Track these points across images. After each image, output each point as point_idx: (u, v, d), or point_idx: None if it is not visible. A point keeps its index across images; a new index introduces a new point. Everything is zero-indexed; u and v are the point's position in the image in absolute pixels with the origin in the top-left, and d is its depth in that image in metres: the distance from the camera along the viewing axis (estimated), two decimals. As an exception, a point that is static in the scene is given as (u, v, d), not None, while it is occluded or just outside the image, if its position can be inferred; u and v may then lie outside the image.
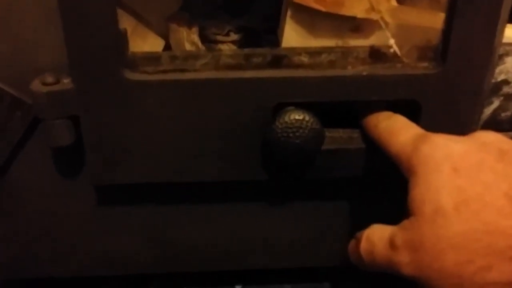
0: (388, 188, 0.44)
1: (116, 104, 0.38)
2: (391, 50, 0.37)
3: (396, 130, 0.36)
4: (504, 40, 0.38)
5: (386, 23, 0.43)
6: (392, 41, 0.37)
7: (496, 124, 0.43)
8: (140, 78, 0.37)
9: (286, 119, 0.35)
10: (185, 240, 0.47)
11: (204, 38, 0.50)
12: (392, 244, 0.32)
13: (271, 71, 0.37)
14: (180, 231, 0.46)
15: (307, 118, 0.35)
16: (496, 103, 0.43)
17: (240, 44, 0.51)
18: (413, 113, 0.38)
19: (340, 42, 0.41)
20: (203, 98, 0.38)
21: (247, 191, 0.44)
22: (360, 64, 0.37)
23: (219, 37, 0.50)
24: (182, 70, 0.38)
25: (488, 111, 0.43)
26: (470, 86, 0.37)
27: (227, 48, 0.50)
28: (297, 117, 0.35)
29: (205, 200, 0.45)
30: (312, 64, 0.38)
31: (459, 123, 0.39)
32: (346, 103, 0.38)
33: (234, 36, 0.50)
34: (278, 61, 0.38)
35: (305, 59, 0.39)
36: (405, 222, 0.32)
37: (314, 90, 0.37)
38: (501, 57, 0.41)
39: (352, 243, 0.38)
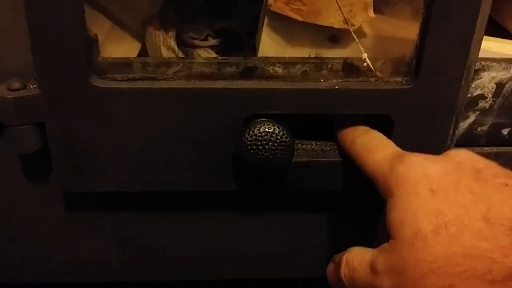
0: (363, 202, 0.43)
1: (84, 111, 0.37)
2: (365, 64, 0.36)
3: (373, 148, 0.35)
4: (481, 54, 0.38)
5: (364, 34, 0.43)
6: (365, 55, 0.36)
7: (472, 139, 0.43)
8: (109, 85, 0.37)
9: (256, 131, 0.35)
10: (158, 248, 0.46)
11: (182, 43, 0.49)
12: (373, 269, 0.32)
13: (244, 82, 0.36)
14: (153, 240, 0.46)
15: (277, 131, 0.35)
16: (472, 117, 0.42)
17: (218, 49, 0.50)
18: (386, 127, 0.37)
19: (314, 53, 0.40)
20: (174, 108, 0.37)
21: (221, 201, 0.43)
22: (333, 77, 0.36)
23: (197, 42, 0.49)
24: (153, 78, 0.37)
25: (464, 125, 0.42)
26: (444, 101, 0.36)
27: (205, 53, 0.50)
28: (267, 129, 0.35)
29: (179, 209, 0.44)
30: (285, 75, 0.38)
31: (433, 139, 0.38)
32: (320, 116, 0.38)
33: (212, 41, 0.49)
34: (251, 71, 0.38)
35: (279, 69, 0.38)
36: (385, 246, 0.32)
37: (286, 102, 0.36)
38: (477, 71, 0.40)
39: (330, 266, 0.37)
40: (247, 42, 0.49)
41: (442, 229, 0.29)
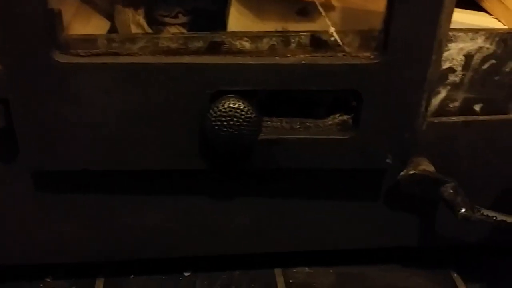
0: (332, 178, 0.43)
1: (47, 87, 0.36)
2: (332, 39, 0.35)
3: None
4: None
5: (332, 7, 0.42)
6: (332, 29, 0.35)
7: (445, 116, 0.42)
8: (72, 61, 0.36)
9: (221, 107, 0.34)
10: (131, 227, 0.46)
11: (152, 21, 0.49)
12: None
13: (209, 57, 0.35)
14: (125, 219, 0.45)
15: (242, 106, 0.34)
16: (443, 93, 0.42)
17: (189, 27, 0.49)
18: (356, 103, 0.37)
19: (281, 27, 0.40)
20: (138, 83, 0.36)
21: (192, 179, 0.43)
22: (300, 52, 0.36)
23: (168, 19, 0.48)
24: (118, 54, 0.37)
25: (435, 101, 0.42)
26: (414, 76, 0.36)
27: (176, 31, 0.49)
28: (231, 105, 0.34)
29: (150, 188, 0.43)
30: (253, 50, 0.37)
31: (404, 115, 0.38)
32: (289, 92, 0.37)
33: (183, 19, 0.49)
34: (217, 46, 0.37)
35: (246, 43, 0.38)
36: None
37: (252, 78, 0.35)
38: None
39: None
40: (219, 19, 0.48)
41: None
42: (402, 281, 0.51)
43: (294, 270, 0.52)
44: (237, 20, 0.42)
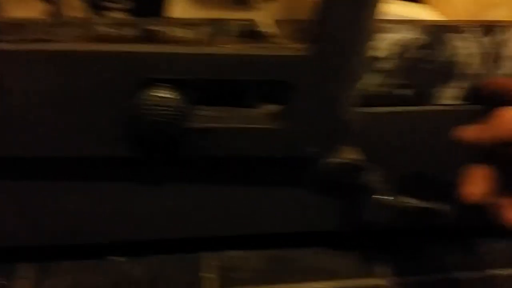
0: (259, 166, 0.44)
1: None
2: (264, 29, 0.35)
3: None
4: (385, 17, 0.38)
5: (272, -4, 0.42)
6: (265, 20, 0.35)
7: (378, 101, 0.43)
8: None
9: (148, 96, 0.34)
10: (56, 213, 0.44)
11: (92, 4, 0.47)
12: None
13: (139, 45, 0.35)
14: (54, 204, 0.44)
15: (169, 95, 0.34)
16: (375, 79, 0.42)
17: (133, 12, 0.48)
18: (285, 94, 0.37)
19: (219, 15, 0.39)
20: (67, 71, 0.35)
21: (122, 166, 0.42)
22: (232, 41, 0.36)
23: (109, 4, 0.46)
24: (46, 40, 0.35)
25: (366, 91, 0.43)
26: (342, 67, 0.36)
27: (118, 15, 0.47)
28: (158, 94, 0.34)
29: (78, 174, 0.42)
30: (187, 39, 0.36)
31: (334, 105, 0.38)
32: (221, 81, 0.37)
33: (125, 3, 0.47)
34: (151, 34, 0.36)
35: (181, 31, 0.37)
36: None
37: (183, 67, 0.35)
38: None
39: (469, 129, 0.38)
40: (163, 4, 0.46)
41: None
42: (325, 263, 0.53)
43: (226, 254, 0.53)
44: (177, 6, 0.41)
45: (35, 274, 0.48)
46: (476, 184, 0.38)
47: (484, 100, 0.44)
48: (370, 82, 0.43)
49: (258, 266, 0.52)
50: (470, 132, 0.38)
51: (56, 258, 0.50)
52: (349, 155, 0.43)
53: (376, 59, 0.42)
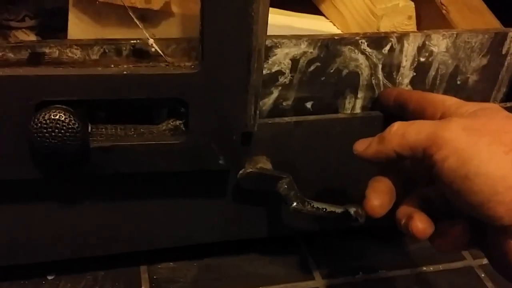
0: (178, 179, 0.45)
1: None
2: (153, 49, 0.37)
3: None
4: (272, 31, 0.39)
5: (172, 13, 0.43)
6: (151, 40, 0.36)
7: (279, 114, 0.45)
8: None
9: (41, 119, 0.35)
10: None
11: (-2, 25, 0.48)
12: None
13: (30, 68, 0.36)
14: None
15: (63, 117, 0.35)
16: (275, 93, 0.44)
17: (39, 30, 0.49)
18: (183, 110, 0.38)
19: (122, 34, 0.40)
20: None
21: (37, 186, 0.43)
22: (125, 62, 0.37)
23: (13, 23, 0.48)
24: None
25: (269, 101, 0.45)
26: (234, 83, 0.38)
27: (23, 35, 0.48)
28: (52, 116, 0.35)
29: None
30: (77, 60, 0.37)
31: (233, 119, 0.40)
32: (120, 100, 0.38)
33: (30, 22, 0.48)
34: (43, 56, 0.37)
35: (77, 51, 0.38)
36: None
37: (77, 88, 0.36)
38: (270, 48, 0.42)
39: (362, 142, 0.40)
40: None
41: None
42: (259, 269, 0.54)
43: (159, 266, 0.54)
44: (77, 27, 0.43)
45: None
46: (378, 197, 0.39)
47: (384, 109, 0.46)
48: (273, 92, 0.45)
49: (191, 276, 0.54)
50: (362, 146, 0.39)
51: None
52: (262, 164, 0.45)
53: (275, 72, 0.43)
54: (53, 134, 0.35)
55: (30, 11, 0.48)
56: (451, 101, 0.40)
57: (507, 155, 0.33)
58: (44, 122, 0.35)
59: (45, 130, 0.35)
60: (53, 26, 0.49)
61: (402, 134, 0.37)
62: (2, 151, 0.37)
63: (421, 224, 0.37)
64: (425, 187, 0.41)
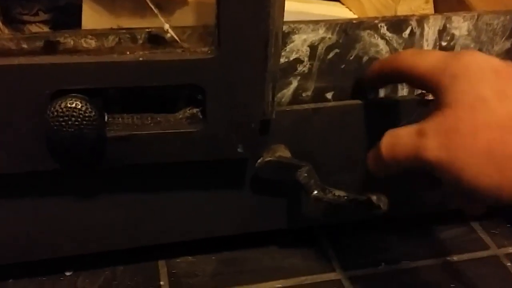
0: (195, 170, 0.44)
1: None
2: (168, 35, 0.36)
3: (424, 52, 0.39)
4: (287, 18, 0.38)
5: (186, 2, 0.43)
6: (167, 26, 0.36)
7: (299, 104, 0.44)
8: None
9: (58, 107, 0.34)
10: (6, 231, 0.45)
11: (11, 19, 0.47)
12: (419, 132, 0.34)
13: (45, 57, 0.35)
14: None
15: (79, 106, 0.34)
16: (294, 83, 0.43)
17: (53, 23, 0.49)
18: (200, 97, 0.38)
19: (136, 23, 0.40)
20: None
21: (52, 179, 0.42)
22: (140, 49, 0.36)
23: (27, 17, 0.47)
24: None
25: (288, 92, 0.44)
26: (251, 69, 0.37)
27: (37, 28, 0.48)
28: (69, 105, 0.34)
29: (6, 192, 0.43)
30: (97, 48, 0.37)
31: (250, 107, 0.39)
32: (136, 88, 0.38)
33: (43, 16, 0.48)
34: (58, 45, 0.37)
35: (91, 41, 0.38)
36: (436, 113, 0.34)
37: (92, 76, 0.35)
38: (287, 35, 0.41)
39: (371, 151, 0.39)
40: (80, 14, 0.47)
41: (503, 95, 0.32)
42: (279, 262, 0.53)
43: (177, 260, 0.53)
44: (91, 17, 0.42)
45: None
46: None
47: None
48: (292, 81, 0.44)
49: (210, 270, 0.53)
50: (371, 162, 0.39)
51: (7, 277, 0.51)
52: (280, 153, 0.44)
53: (293, 59, 0.42)
54: (69, 122, 0.34)
55: (43, 5, 0.47)
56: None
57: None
58: (60, 110, 0.34)
59: (61, 119, 0.34)
60: (66, 21, 0.48)
61: (392, 147, 0.36)
62: (18, 142, 0.37)
63: None
64: None
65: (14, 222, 0.44)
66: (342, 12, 0.48)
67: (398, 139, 0.36)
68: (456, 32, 0.45)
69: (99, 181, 0.43)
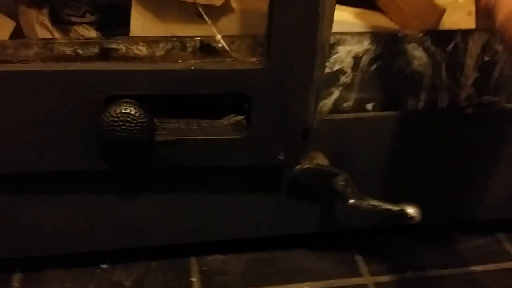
0: (235, 174, 0.45)
1: None
2: (220, 45, 0.37)
3: None
4: (335, 29, 0.39)
5: (231, 9, 0.44)
6: (219, 36, 0.37)
7: (339, 113, 0.45)
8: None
9: (112, 112, 0.35)
10: (43, 225, 0.47)
11: (58, 20, 0.49)
12: None
13: (100, 63, 0.37)
14: (34, 216, 0.46)
15: (133, 112, 0.36)
16: (336, 93, 0.44)
17: (99, 25, 0.50)
18: (248, 106, 0.39)
19: (182, 31, 0.41)
20: (31, 90, 0.37)
21: (99, 177, 0.44)
22: (191, 57, 0.37)
23: (74, 19, 0.49)
24: (9, 61, 0.37)
25: (329, 101, 0.45)
26: (298, 79, 0.38)
27: (84, 30, 0.49)
28: (123, 110, 0.36)
29: (58, 187, 0.44)
30: (148, 55, 0.38)
31: (293, 115, 0.40)
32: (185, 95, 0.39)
33: (90, 17, 0.49)
34: (112, 52, 0.38)
35: (143, 48, 0.39)
36: None
37: (143, 83, 0.37)
38: (333, 46, 0.42)
39: None
40: (127, 17, 0.48)
41: None
42: (308, 264, 0.54)
43: (209, 258, 0.55)
44: (139, 23, 0.43)
45: (27, 283, 0.51)
46: None
47: None
48: (333, 92, 0.44)
49: (240, 269, 0.54)
50: None
51: (46, 267, 0.53)
52: (318, 160, 0.45)
53: (336, 70, 0.43)
54: (123, 127, 0.36)
55: (90, 7, 0.49)
56: None
57: None
58: (115, 115, 0.36)
59: (116, 124, 0.36)
60: (111, 22, 0.49)
61: None
62: (72, 143, 0.39)
63: None
64: None
65: (59, 216, 0.46)
66: (383, 22, 0.48)
67: None
68: (500, 48, 0.46)
69: (141, 180, 0.45)
